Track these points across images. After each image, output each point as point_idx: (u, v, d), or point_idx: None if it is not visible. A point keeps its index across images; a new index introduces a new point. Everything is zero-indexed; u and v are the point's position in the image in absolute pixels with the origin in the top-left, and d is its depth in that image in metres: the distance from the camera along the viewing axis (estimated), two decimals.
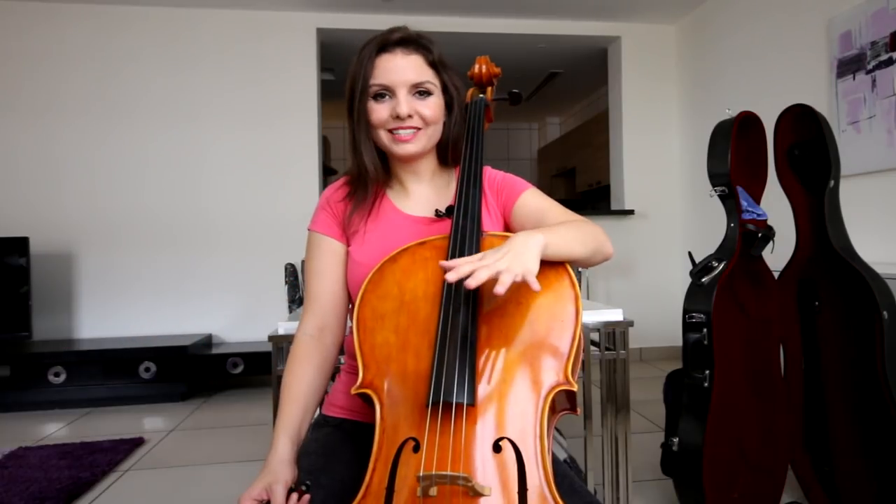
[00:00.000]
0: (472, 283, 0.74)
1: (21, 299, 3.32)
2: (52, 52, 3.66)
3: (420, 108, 0.98)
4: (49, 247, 3.60)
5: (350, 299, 1.04)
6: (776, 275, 1.76)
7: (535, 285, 0.76)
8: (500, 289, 0.74)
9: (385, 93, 0.97)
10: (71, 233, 3.65)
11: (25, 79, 3.63)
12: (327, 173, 4.93)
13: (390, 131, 0.98)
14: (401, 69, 0.96)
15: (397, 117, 0.96)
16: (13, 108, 3.62)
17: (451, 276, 0.75)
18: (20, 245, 3.34)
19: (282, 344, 1.54)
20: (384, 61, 0.97)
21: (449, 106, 1.03)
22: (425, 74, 0.98)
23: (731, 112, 1.77)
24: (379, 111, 0.97)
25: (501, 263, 0.76)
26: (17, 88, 3.63)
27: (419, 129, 0.98)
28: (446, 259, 0.88)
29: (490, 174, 1.08)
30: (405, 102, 0.96)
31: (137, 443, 2.56)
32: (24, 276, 3.33)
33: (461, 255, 0.87)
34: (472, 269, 0.75)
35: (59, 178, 3.65)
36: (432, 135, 1.01)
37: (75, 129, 3.68)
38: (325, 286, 1.02)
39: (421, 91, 0.98)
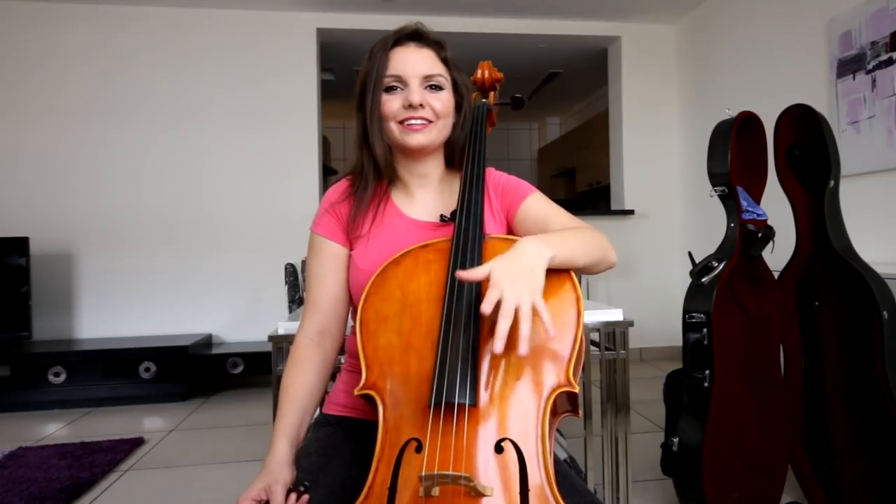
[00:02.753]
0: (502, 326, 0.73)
1: (21, 299, 3.32)
2: (52, 52, 3.66)
3: (431, 101, 0.98)
4: (49, 247, 3.60)
5: (352, 302, 1.04)
6: (776, 275, 1.76)
7: (550, 329, 0.75)
8: (523, 349, 0.73)
9: (397, 85, 0.98)
10: (71, 233, 3.65)
11: (25, 79, 3.63)
12: (327, 173, 4.93)
13: (401, 122, 0.99)
14: (413, 61, 0.98)
15: (409, 106, 0.97)
16: (13, 108, 3.62)
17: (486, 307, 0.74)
18: (20, 245, 3.34)
19: (282, 344, 1.53)
20: (397, 54, 0.98)
21: (458, 105, 1.04)
22: (437, 68, 1.00)
23: (731, 112, 1.77)
24: (391, 102, 0.98)
25: (512, 291, 0.75)
26: (17, 88, 3.63)
27: (430, 121, 0.99)
28: (448, 261, 0.88)
29: (494, 176, 1.08)
30: (417, 92, 0.97)
31: (137, 443, 2.56)
32: (24, 276, 3.33)
33: (464, 257, 0.87)
34: (509, 319, 0.73)
35: (59, 178, 3.65)
36: (442, 129, 1.02)
37: (75, 129, 3.67)
38: (326, 290, 1.02)
39: (433, 85, 0.99)
